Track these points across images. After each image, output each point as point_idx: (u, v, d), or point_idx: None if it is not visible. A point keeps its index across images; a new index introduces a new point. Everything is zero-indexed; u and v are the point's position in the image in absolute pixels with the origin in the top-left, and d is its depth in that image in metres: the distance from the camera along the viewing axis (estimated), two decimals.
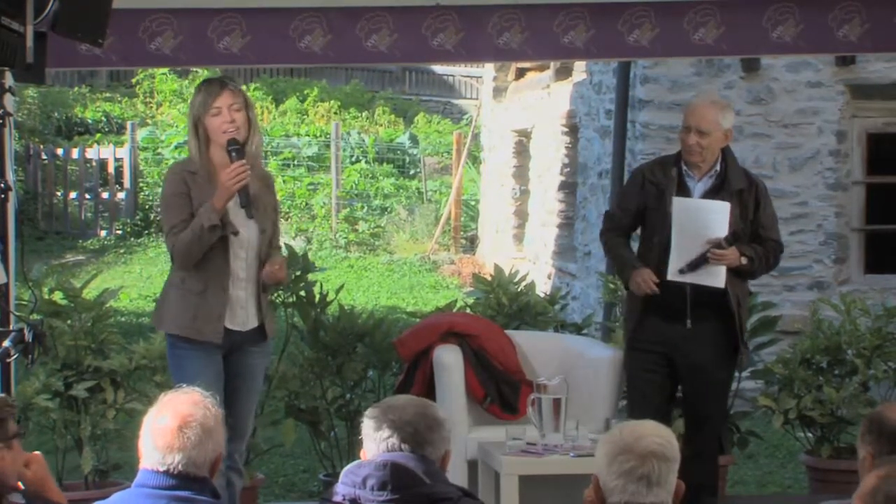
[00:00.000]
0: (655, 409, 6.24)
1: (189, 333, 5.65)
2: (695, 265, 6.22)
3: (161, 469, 3.42)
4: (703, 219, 6.27)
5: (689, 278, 6.24)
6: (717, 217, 6.22)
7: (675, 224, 6.24)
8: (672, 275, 6.25)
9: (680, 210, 6.27)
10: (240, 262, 5.69)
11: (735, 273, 6.27)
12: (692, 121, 6.28)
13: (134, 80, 22.52)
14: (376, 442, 3.65)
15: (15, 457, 3.56)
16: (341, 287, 8.28)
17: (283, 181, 18.38)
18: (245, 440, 5.98)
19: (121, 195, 18.43)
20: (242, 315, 5.71)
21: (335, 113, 22.05)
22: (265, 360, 6.02)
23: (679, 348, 6.35)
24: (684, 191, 6.34)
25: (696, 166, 6.32)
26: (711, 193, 6.31)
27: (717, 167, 6.33)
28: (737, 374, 7.42)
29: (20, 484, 3.57)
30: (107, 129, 20.84)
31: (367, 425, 3.68)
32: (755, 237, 6.34)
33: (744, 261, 6.26)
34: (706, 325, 6.31)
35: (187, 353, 5.66)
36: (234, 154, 5.60)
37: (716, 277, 6.23)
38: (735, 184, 6.31)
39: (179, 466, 3.41)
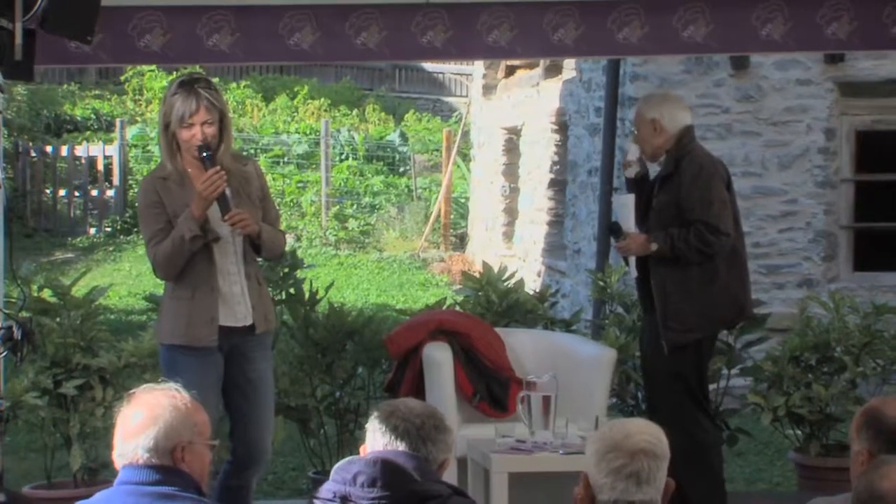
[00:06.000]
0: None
1: (185, 341, 5.52)
2: (625, 258, 6.62)
3: (126, 462, 3.40)
4: (617, 213, 6.64)
5: (631, 272, 6.57)
6: (623, 211, 6.52)
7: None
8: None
9: (613, 206, 6.74)
10: (229, 257, 5.59)
11: (662, 260, 6.36)
12: None
13: (123, 78, 22.51)
14: (380, 432, 3.63)
15: None
16: (331, 284, 8.27)
17: (273, 179, 18.38)
18: (263, 465, 5.75)
19: (110, 193, 18.42)
20: (242, 310, 5.60)
21: (325, 111, 22.05)
22: (271, 364, 5.85)
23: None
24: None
25: (657, 159, 6.56)
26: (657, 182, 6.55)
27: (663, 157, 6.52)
28: (725, 370, 7.46)
29: None
30: (96, 127, 20.82)
31: (375, 417, 3.67)
32: (684, 221, 6.37)
33: (653, 247, 6.36)
34: (649, 315, 6.53)
35: (185, 360, 5.48)
36: (207, 161, 5.48)
37: (631, 268, 6.54)
38: (662, 171, 6.50)
39: (144, 455, 3.38)
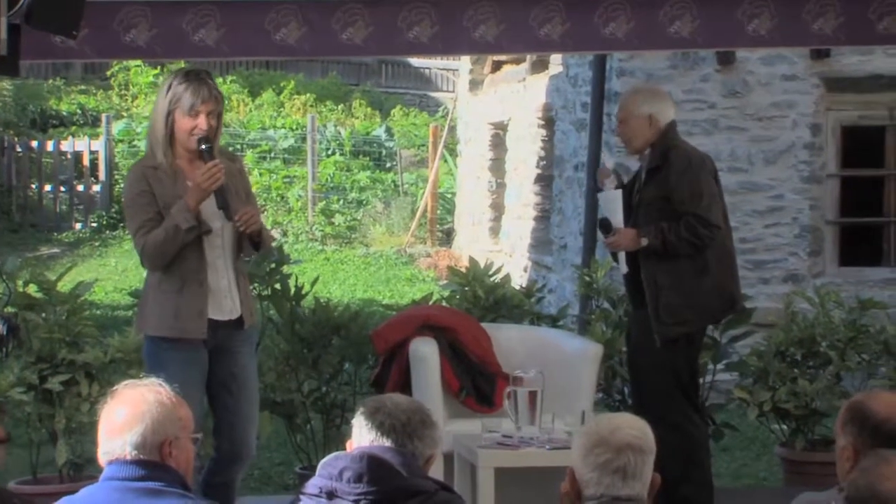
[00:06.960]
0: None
1: (172, 333, 5.49)
2: (613, 254, 6.60)
3: (111, 458, 3.39)
4: (605, 208, 6.63)
5: (621, 267, 6.56)
6: (611, 206, 6.52)
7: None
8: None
9: (600, 203, 6.74)
10: (217, 251, 5.57)
11: (653, 254, 6.37)
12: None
13: (109, 73, 22.45)
14: (367, 428, 3.63)
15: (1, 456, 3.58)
16: (317, 279, 8.26)
17: (259, 174, 18.36)
18: (247, 461, 5.73)
19: (96, 188, 18.38)
20: (229, 304, 5.58)
21: (311, 106, 22.03)
22: (255, 360, 5.84)
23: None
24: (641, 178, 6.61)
25: (642, 153, 6.53)
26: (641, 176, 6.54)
27: (647, 151, 6.50)
28: (711, 365, 7.47)
29: None
30: (82, 122, 20.77)
31: (361, 413, 3.67)
32: (674, 214, 6.37)
33: (644, 241, 6.36)
34: (638, 310, 6.52)
35: (170, 354, 5.47)
36: (206, 154, 5.46)
37: (621, 263, 6.53)
38: (649, 164, 6.47)
39: (132, 451, 3.37)
